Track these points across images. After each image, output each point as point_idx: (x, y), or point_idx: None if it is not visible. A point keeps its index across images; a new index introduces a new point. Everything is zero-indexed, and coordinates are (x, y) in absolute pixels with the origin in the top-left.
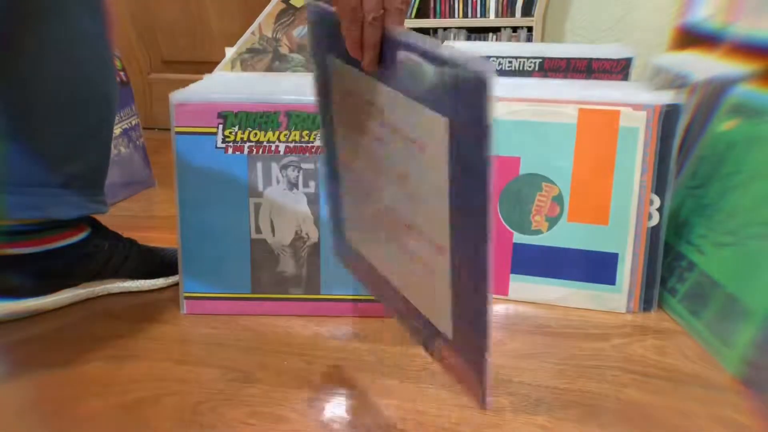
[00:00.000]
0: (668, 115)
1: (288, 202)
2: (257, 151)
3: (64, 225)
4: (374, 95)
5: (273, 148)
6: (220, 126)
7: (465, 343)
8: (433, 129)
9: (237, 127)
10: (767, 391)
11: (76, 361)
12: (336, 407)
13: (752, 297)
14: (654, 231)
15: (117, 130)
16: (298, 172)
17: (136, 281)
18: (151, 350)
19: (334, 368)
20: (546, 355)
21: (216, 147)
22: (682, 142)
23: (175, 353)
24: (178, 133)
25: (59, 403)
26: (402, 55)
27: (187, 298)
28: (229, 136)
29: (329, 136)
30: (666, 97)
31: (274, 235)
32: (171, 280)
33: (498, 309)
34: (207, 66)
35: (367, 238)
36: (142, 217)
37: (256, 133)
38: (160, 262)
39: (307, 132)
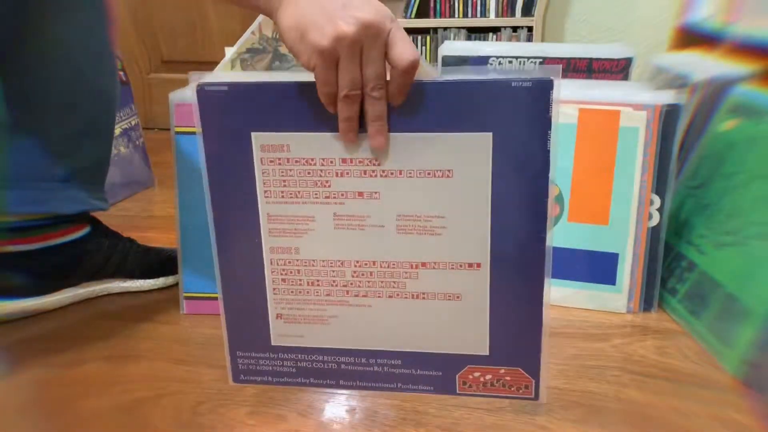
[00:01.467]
0: (668, 115)
1: None
2: None
3: (64, 221)
4: (357, 151)
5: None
6: None
7: (509, 351)
8: (466, 149)
9: None
10: (767, 391)
11: (76, 361)
12: (336, 407)
13: (752, 297)
14: (654, 231)
15: (117, 130)
16: None
17: (135, 281)
18: (151, 350)
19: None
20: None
21: None
22: (683, 142)
23: (175, 353)
24: (178, 133)
25: (59, 403)
26: (422, 95)
27: (187, 298)
28: None
29: (246, 222)
30: (666, 97)
31: None
32: (171, 279)
33: None
34: (207, 66)
35: (325, 316)
36: (142, 217)
37: None
38: (160, 262)
39: None
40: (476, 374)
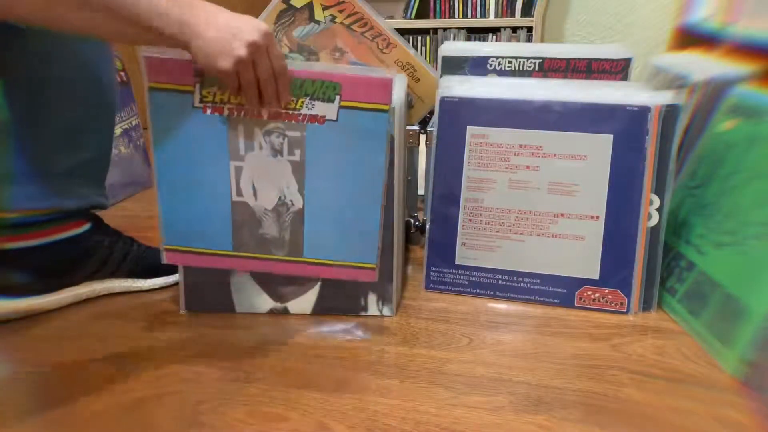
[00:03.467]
0: (668, 115)
1: (271, 168)
2: (239, 113)
3: (65, 217)
4: (528, 140)
5: (256, 112)
6: (197, 85)
7: (612, 274)
8: (597, 144)
9: (216, 86)
10: (767, 391)
11: (77, 361)
12: (336, 407)
13: (752, 297)
14: (653, 231)
15: (117, 130)
16: (283, 139)
17: (136, 281)
18: (151, 350)
19: (334, 368)
20: (546, 355)
21: (193, 106)
22: (682, 142)
23: (175, 353)
24: (152, 89)
25: (60, 402)
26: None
27: (167, 250)
28: (207, 96)
29: (454, 180)
30: (666, 98)
31: (256, 199)
32: (171, 279)
33: (498, 309)
34: None
35: (493, 246)
36: (142, 217)
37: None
38: (160, 261)
39: (293, 99)
40: (589, 293)
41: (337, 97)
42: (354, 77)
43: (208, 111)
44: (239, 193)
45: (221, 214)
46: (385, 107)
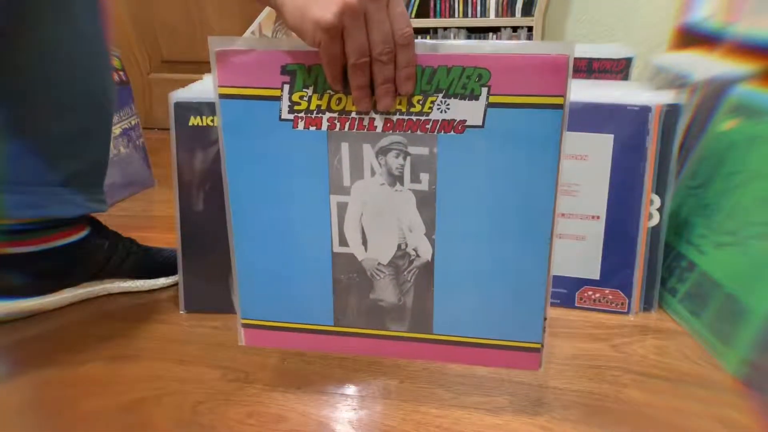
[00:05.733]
0: (668, 115)
1: (388, 202)
2: (342, 126)
3: (64, 224)
4: None
5: (366, 121)
6: (286, 87)
7: (613, 274)
8: (598, 144)
9: (311, 89)
10: (767, 391)
11: (76, 361)
12: (336, 407)
13: (752, 297)
14: (654, 231)
15: (117, 130)
16: (404, 159)
17: (135, 281)
18: (151, 350)
19: (334, 368)
20: (546, 355)
21: (280, 119)
22: (683, 142)
23: (175, 353)
24: (223, 96)
25: (59, 403)
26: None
27: (245, 326)
28: (299, 103)
29: None
30: (666, 97)
31: (366, 250)
32: (171, 280)
33: None
34: (207, 66)
35: None
36: (142, 217)
37: (340, 99)
38: (160, 262)
39: (421, 96)
40: (589, 293)
41: (484, 91)
42: (511, 58)
43: (300, 125)
44: (343, 241)
45: (318, 272)
46: (559, 101)
